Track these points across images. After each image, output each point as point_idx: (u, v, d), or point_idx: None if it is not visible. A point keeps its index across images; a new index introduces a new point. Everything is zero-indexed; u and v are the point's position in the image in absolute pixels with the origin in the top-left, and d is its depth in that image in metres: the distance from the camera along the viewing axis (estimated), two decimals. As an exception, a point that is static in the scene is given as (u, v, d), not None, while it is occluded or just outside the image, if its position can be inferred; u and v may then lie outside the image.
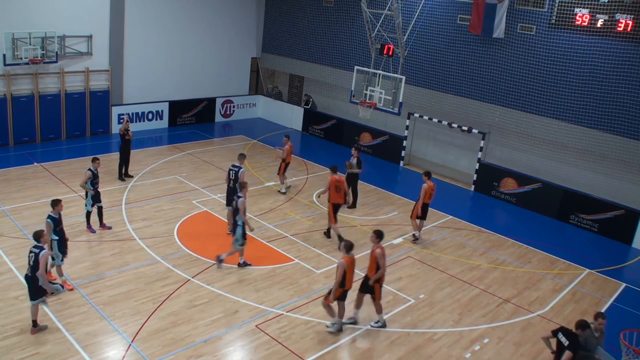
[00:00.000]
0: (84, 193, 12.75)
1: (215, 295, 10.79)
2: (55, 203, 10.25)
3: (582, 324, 8.35)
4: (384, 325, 10.35)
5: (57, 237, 10.17)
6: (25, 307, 9.68)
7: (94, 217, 12.89)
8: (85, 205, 12.72)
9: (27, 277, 8.93)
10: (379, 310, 10.27)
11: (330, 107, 23.99)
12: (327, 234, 13.87)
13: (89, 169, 12.50)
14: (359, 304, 10.26)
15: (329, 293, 9.77)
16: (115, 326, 9.50)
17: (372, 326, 10.31)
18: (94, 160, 12.79)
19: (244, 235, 11.52)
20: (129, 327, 9.51)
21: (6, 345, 8.73)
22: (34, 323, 9.16)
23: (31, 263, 8.80)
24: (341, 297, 9.89)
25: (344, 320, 10.19)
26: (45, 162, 17.03)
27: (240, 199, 11.42)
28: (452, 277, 12.62)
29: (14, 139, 18.38)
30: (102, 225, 12.97)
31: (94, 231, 12.81)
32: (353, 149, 15.71)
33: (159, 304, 10.26)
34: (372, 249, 9.94)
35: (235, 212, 11.51)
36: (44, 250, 8.76)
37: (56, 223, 10.15)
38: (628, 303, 12.40)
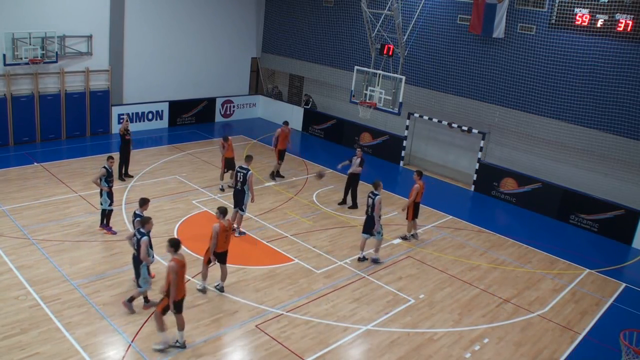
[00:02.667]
0: (99, 191, 12.66)
1: (215, 295, 10.78)
2: (144, 202, 10.63)
3: None
4: (183, 346, 9.03)
5: None
6: (25, 307, 9.72)
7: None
8: (101, 204, 12.61)
9: (133, 258, 9.90)
10: (181, 326, 8.98)
11: (330, 107, 23.99)
12: (278, 175, 17.52)
13: (104, 167, 12.49)
14: (161, 326, 8.88)
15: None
16: (115, 326, 9.50)
17: (171, 345, 9.05)
18: (109, 158, 12.79)
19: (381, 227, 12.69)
20: (129, 327, 9.50)
21: (6, 345, 8.73)
22: (145, 299, 10.01)
23: (135, 247, 9.68)
24: (212, 261, 10.49)
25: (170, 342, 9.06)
26: (45, 162, 17.03)
27: (377, 197, 12.36)
28: (452, 277, 12.62)
29: (14, 139, 18.37)
30: (105, 226, 12.85)
31: (115, 232, 12.71)
32: (358, 149, 16.00)
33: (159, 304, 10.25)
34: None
35: (371, 208, 12.42)
36: (145, 237, 9.54)
37: None
38: (628, 303, 12.40)
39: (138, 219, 10.30)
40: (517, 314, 11.39)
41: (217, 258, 10.51)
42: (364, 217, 15.36)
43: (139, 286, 9.88)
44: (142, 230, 9.61)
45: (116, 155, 16.73)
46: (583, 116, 16.40)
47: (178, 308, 8.82)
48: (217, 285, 10.88)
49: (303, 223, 14.59)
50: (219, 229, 10.18)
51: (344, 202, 16.09)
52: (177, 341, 9.06)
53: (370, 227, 12.52)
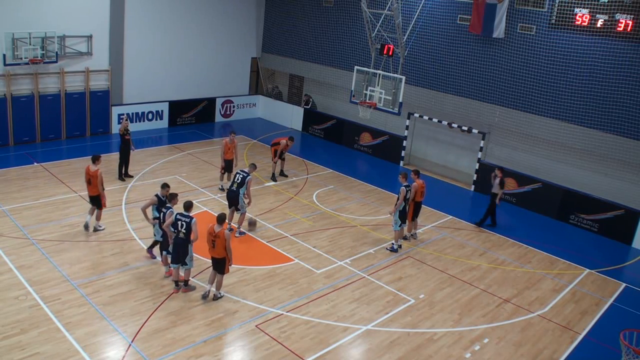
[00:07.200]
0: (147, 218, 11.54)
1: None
2: (190, 205, 10.54)
3: None
4: None
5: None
6: (25, 307, 9.72)
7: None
8: (155, 235, 11.53)
9: (180, 241, 10.34)
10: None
11: (330, 107, 23.99)
12: (282, 173, 17.94)
13: (156, 195, 11.28)
14: None
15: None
16: (115, 326, 9.50)
17: None
18: (164, 186, 11.29)
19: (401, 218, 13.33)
20: (129, 327, 9.51)
21: (6, 345, 8.73)
22: (186, 282, 10.71)
23: (184, 230, 10.24)
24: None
25: None
26: (45, 162, 17.03)
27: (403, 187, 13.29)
28: (452, 277, 12.63)
29: (14, 139, 18.37)
30: (149, 251, 11.94)
31: (154, 257, 11.81)
32: (497, 169, 15.57)
33: (159, 304, 10.26)
34: None
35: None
36: (194, 219, 10.26)
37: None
38: (628, 303, 12.40)
39: (177, 215, 10.29)
40: (517, 314, 11.39)
41: (213, 265, 10.54)
42: (363, 217, 15.46)
43: (185, 264, 10.52)
44: (187, 212, 10.36)
45: (116, 155, 16.81)
46: (583, 116, 16.40)
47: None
48: (206, 294, 10.62)
49: (303, 223, 14.59)
50: None
51: (488, 222, 15.78)
52: None
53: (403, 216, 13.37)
